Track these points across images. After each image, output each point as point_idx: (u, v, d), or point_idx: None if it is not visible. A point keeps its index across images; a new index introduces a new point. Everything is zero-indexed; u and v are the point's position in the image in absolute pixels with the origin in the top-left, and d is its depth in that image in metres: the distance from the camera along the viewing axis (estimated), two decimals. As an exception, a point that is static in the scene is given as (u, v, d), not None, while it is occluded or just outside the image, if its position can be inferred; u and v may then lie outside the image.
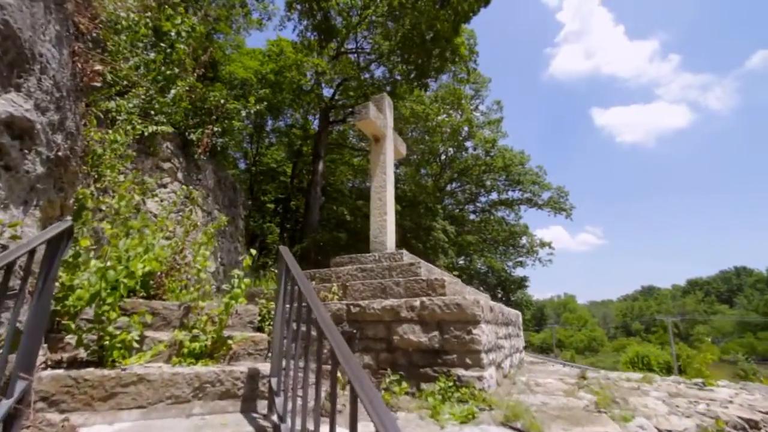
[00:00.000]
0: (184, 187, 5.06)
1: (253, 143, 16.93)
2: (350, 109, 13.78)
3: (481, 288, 23.90)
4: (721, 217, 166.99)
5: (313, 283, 3.78)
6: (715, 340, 65.87)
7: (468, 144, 21.54)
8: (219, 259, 5.96)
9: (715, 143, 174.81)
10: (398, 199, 18.13)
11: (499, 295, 25.00)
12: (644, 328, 76.48)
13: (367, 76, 13.55)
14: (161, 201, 4.58)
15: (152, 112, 4.52)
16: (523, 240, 24.90)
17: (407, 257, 3.97)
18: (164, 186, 4.91)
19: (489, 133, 22.73)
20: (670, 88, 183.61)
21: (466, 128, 20.30)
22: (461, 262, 22.27)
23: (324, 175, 15.48)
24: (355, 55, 14.24)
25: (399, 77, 9.92)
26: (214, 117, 5.82)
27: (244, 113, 6.21)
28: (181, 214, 4.53)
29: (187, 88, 5.05)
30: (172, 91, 4.77)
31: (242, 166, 18.23)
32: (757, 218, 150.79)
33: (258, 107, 6.42)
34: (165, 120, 4.69)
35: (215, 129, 5.81)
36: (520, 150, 21.79)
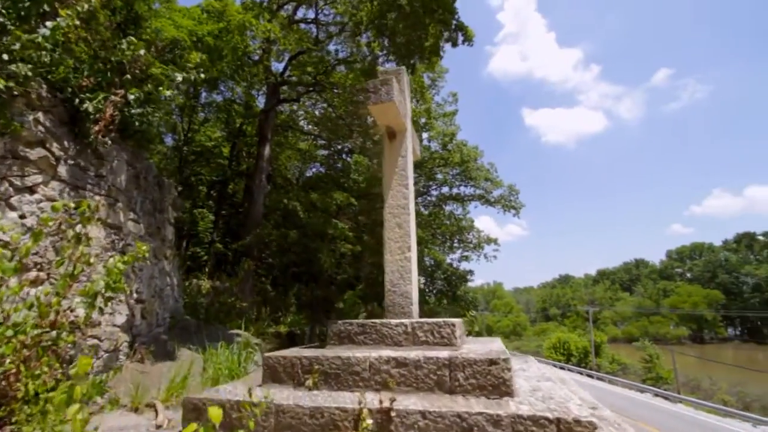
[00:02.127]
0: (72, 191, 3.14)
1: (185, 116, 14.13)
2: (310, 88, 11.84)
3: (423, 280, 23.43)
4: (626, 214, 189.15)
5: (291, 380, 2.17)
6: (617, 324, 74.27)
7: (423, 135, 20.51)
8: (134, 296, 4.02)
9: (624, 149, 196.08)
10: (351, 190, 16.59)
11: (445, 290, 24.72)
12: (561, 314, 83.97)
13: (331, 48, 11.67)
14: (22, 218, 2.70)
15: (4, 57, 2.56)
16: (471, 235, 24.79)
17: (458, 328, 2.45)
18: (31, 191, 2.92)
19: (442, 125, 21.94)
20: (589, 96, 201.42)
21: (423, 119, 19.21)
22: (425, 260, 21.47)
23: (270, 160, 13.39)
24: (314, 26, 12.23)
25: (379, 56, 8.26)
26: (127, 77, 3.84)
27: (179, 78, 4.28)
28: (62, 239, 2.70)
29: (78, 23, 3.06)
30: (49, 24, 2.78)
31: (169, 141, 15.29)
32: (653, 216, 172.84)
33: (200, 75, 4.49)
34: (31, 73, 2.74)
35: (131, 95, 3.85)
36: (474, 145, 21.38)
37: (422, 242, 21.51)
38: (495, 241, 24.28)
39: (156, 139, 5.07)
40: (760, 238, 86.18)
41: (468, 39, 6.69)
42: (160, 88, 4.16)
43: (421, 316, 2.59)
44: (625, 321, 77.42)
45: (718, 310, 73.14)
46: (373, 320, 2.57)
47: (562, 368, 34.99)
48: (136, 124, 4.31)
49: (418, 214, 22.75)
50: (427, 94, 17.51)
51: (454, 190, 23.47)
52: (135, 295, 4.02)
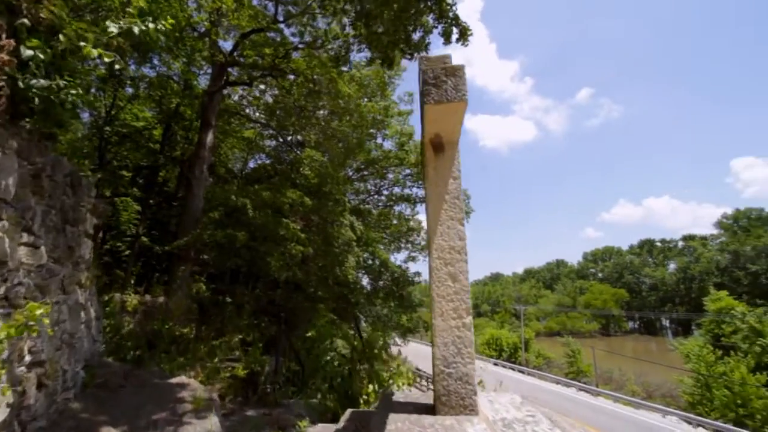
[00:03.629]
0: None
1: (107, 91, 11.85)
2: (265, 72, 10.48)
3: (367, 276, 22.87)
4: (549, 217, 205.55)
5: None
6: (540, 319, 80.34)
7: (378, 134, 19.82)
8: (25, 361, 2.63)
9: (550, 157, 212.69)
10: (301, 186, 15.39)
11: (392, 291, 24.36)
12: (491, 309, 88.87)
13: (293, 31, 10.34)
14: None
15: None
16: (420, 237, 24.73)
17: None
18: None
19: (396, 123, 21.45)
20: (522, 107, 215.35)
21: (378, 116, 18.50)
22: (367, 258, 20.76)
23: (213, 149, 11.81)
24: (272, 4, 10.82)
25: (351, 42, 7.22)
26: (24, 21, 2.57)
27: (114, 30, 3.08)
28: None
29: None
30: None
31: (86, 118, 12.86)
32: (572, 220, 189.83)
33: (146, 25, 3.32)
34: None
35: (27, 50, 2.60)
36: (429, 147, 21.24)
37: (372, 242, 20.92)
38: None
39: (69, 123, 3.68)
40: (658, 244, 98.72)
41: (464, 36, 6.05)
42: (83, 46, 2.93)
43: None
44: (547, 317, 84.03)
45: (623, 308, 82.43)
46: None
47: (495, 364, 36.70)
48: (36, 101, 3.01)
49: (367, 213, 22.11)
50: (389, 92, 16.83)
51: (406, 191, 23.20)
52: (27, 358, 2.69)
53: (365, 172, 22.25)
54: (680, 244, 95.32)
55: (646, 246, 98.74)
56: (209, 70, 12.45)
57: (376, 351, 12.81)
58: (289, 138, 17.18)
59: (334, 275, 15.93)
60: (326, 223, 15.63)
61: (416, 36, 5.78)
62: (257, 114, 17.01)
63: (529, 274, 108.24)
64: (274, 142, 17.95)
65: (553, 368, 38.05)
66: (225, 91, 12.55)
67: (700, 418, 19.66)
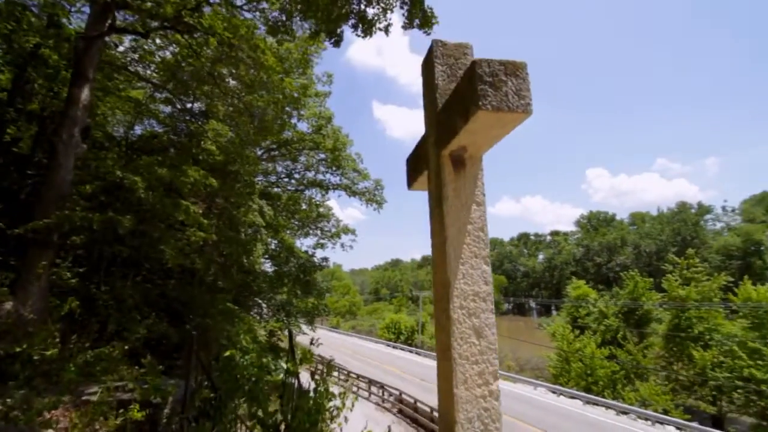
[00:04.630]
0: None
1: None
2: (164, 24, 8.61)
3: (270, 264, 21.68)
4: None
5: None
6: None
7: (294, 114, 18.44)
8: None
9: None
10: (205, 164, 13.57)
11: (299, 277, 23.42)
12: (390, 294, 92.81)
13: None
14: None
15: None
16: (330, 224, 24.18)
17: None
18: None
19: (313, 103, 20.30)
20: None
21: (296, 94, 17.19)
22: (274, 245, 19.45)
23: (89, 109, 9.54)
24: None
25: (293, 13, 5.98)
26: None
27: None
28: None
29: None
30: None
31: None
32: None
33: None
34: None
35: None
36: (345, 133, 20.51)
37: (281, 228, 19.71)
38: (353, 232, 24.26)
39: None
40: (532, 237, 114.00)
41: (427, 23, 5.58)
42: None
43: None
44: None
45: (501, 292, 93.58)
46: None
47: (394, 347, 38.36)
48: None
49: (277, 197, 20.69)
50: (311, 71, 15.65)
51: (319, 176, 22.27)
52: None
53: (276, 153, 20.70)
54: (548, 238, 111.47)
55: (523, 239, 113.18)
56: (87, 8, 9.93)
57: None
58: (190, 105, 14.91)
59: (240, 264, 14.52)
60: (233, 206, 14.06)
61: (371, 11, 5.18)
62: (150, 72, 14.40)
63: (426, 260, 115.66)
64: (169, 108, 15.39)
65: (445, 349, 41.33)
66: (108, 39, 10.18)
67: (561, 387, 23.21)
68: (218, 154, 14.06)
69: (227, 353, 4.88)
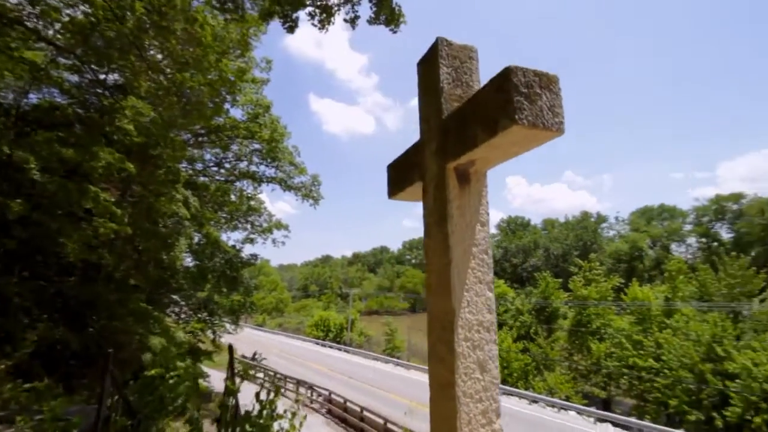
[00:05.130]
0: None
1: None
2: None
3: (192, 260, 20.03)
4: (377, 207, 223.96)
5: None
6: (362, 300, 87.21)
7: (228, 98, 17.07)
8: None
9: (385, 153, 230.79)
10: (120, 145, 11.99)
11: (226, 274, 21.94)
12: (319, 291, 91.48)
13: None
14: None
15: None
16: (262, 218, 23.01)
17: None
18: None
19: (249, 89, 19.03)
20: (366, 100, 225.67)
21: (231, 77, 15.94)
22: (198, 238, 17.85)
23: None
24: None
25: None
26: None
27: None
28: None
29: None
30: None
31: None
32: (395, 211, 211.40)
33: None
34: None
35: None
36: (283, 124, 19.53)
37: (206, 221, 18.22)
38: (286, 227, 23.35)
39: None
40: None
41: (393, 21, 5.32)
42: None
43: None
44: (368, 297, 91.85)
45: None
46: None
47: (323, 345, 37.80)
48: None
49: (204, 187, 19.05)
50: (251, 54, 14.56)
51: (252, 168, 20.98)
52: None
53: (205, 140, 19.03)
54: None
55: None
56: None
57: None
58: (104, 77, 13.02)
59: (158, 259, 13.07)
60: (152, 195, 12.57)
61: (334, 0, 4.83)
62: (53, 33, 12.33)
63: (357, 257, 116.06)
64: (77, 78, 13.27)
65: (373, 345, 41.84)
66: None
67: (481, 381, 24.62)
68: (137, 136, 12.44)
69: (150, 372, 4.21)
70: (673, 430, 17.79)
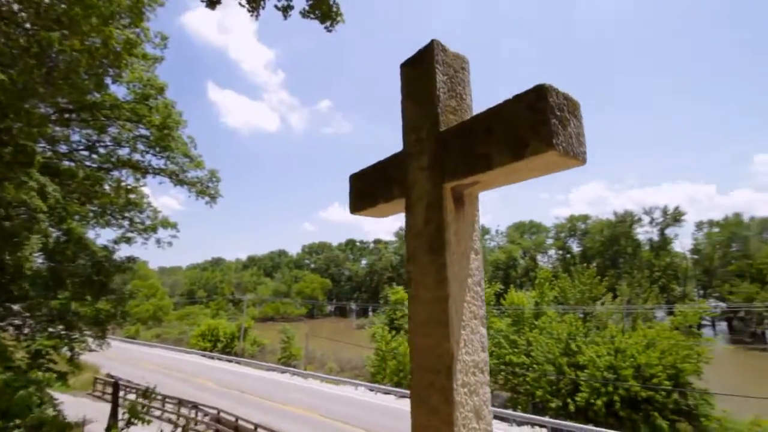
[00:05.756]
0: None
1: None
2: None
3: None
4: (277, 208, 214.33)
5: None
6: (257, 306, 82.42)
7: (110, 71, 14.42)
8: None
9: (287, 153, 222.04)
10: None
11: (93, 280, 18.55)
12: (207, 296, 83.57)
13: None
14: None
15: None
16: (145, 215, 20.09)
17: None
18: None
19: (139, 66, 16.46)
20: (272, 97, 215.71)
21: (118, 47, 13.57)
22: (56, 235, 14.59)
23: None
24: None
25: None
26: None
27: None
28: None
29: None
30: None
31: None
32: (294, 214, 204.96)
33: None
34: None
35: None
36: (179, 110, 17.24)
37: (69, 215, 15.17)
38: (174, 226, 20.76)
39: None
40: (358, 244, 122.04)
41: (329, 17, 4.85)
42: None
43: None
44: (263, 303, 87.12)
45: (326, 295, 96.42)
46: None
47: (211, 358, 34.39)
48: None
49: (69, 174, 15.76)
50: (141, 23, 12.51)
51: (136, 156, 18.07)
52: None
53: (74, 117, 15.76)
54: (372, 245, 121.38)
55: (350, 244, 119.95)
56: None
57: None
58: None
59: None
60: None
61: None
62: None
63: (253, 261, 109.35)
64: None
65: (267, 354, 39.60)
66: None
67: (378, 385, 25.14)
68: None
69: None
70: (538, 417, 20.47)
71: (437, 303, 1.32)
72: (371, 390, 23.94)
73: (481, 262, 1.43)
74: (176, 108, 16.58)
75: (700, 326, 30.89)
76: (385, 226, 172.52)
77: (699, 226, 70.66)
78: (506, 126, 1.16)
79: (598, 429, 17.66)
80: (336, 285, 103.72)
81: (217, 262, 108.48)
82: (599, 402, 20.94)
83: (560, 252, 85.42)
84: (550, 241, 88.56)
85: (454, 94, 1.50)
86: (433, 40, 1.49)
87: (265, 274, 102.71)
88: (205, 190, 18.89)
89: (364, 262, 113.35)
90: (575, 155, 1.10)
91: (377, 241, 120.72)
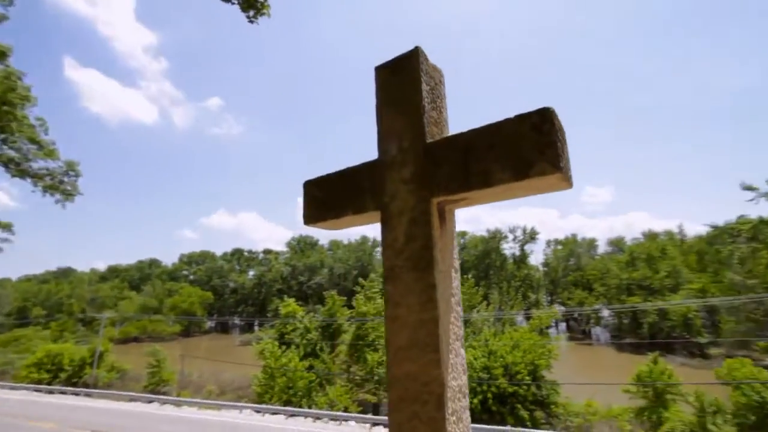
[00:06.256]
0: None
1: None
2: None
3: None
4: (150, 213, 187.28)
5: None
6: (116, 325, 70.49)
7: None
8: None
9: (166, 151, 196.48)
10: None
11: None
12: (47, 315, 68.23)
13: None
14: None
15: None
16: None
17: None
18: None
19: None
20: (150, 86, 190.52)
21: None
22: None
23: None
24: None
25: None
26: None
27: None
28: None
29: None
30: None
31: None
32: (172, 220, 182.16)
33: None
34: None
35: None
36: (27, 85, 13.73)
37: None
38: (8, 227, 16.65)
39: None
40: (246, 253, 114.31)
41: (253, 6, 4.26)
42: None
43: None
44: (126, 321, 74.85)
45: (207, 309, 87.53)
46: None
47: (50, 392, 27.88)
48: None
49: None
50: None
51: (-48, 135, 13.84)
52: None
53: None
54: (261, 255, 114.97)
55: (237, 254, 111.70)
56: None
57: None
58: None
59: None
60: None
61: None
62: None
63: (115, 272, 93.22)
64: None
65: (130, 381, 33.94)
66: None
67: (265, 405, 23.59)
68: None
69: None
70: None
71: (423, 325, 1.23)
72: (258, 411, 22.27)
73: (459, 280, 1.40)
74: (24, 82, 13.24)
75: (548, 327, 36.73)
76: (277, 235, 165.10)
77: (548, 243, 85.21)
78: (509, 144, 1.15)
79: (473, 425, 19.42)
80: (219, 298, 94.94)
81: (64, 273, 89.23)
82: (476, 401, 23.09)
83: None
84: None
85: (435, 106, 1.45)
86: (417, 47, 1.43)
87: (130, 287, 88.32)
88: (58, 185, 15.48)
89: (252, 273, 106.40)
90: (568, 179, 1.14)
91: (267, 251, 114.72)
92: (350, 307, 37.76)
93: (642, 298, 54.63)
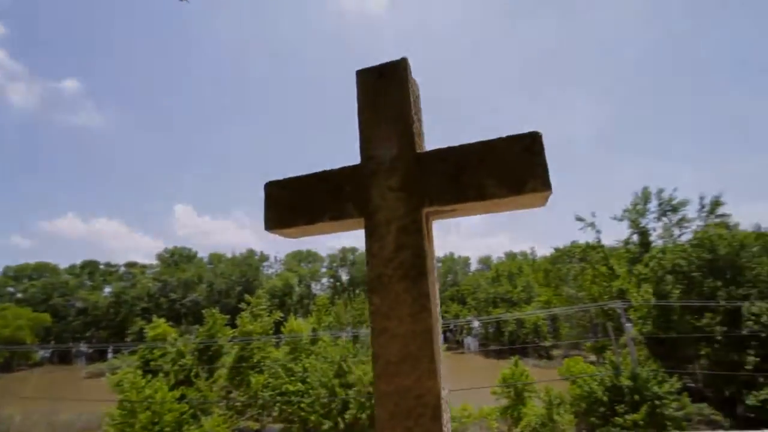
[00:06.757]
0: None
1: None
2: None
3: None
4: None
5: None
6: None
7: None
8: None
9: (2, 137, 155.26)
10: None
11: None
12: None
13: None
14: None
15: None
16: None
17: None
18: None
19: None
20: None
21: None
22: None
23: None
24: None
25: None
26: None
27: None
28: None
29: None
30: None
31: None
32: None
33: None
34: None
35: None
36: None
37: None
38: None
39: None
40: (102, 267, 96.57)
41: None
42: None
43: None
44: None
45: (39, 336, 70.74)
46: None
47: None
48: None
49: None
50: None
51: None
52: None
53: None
54: (123, 269, 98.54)
55: (90, 267, 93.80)
56: None
57: None
58: None
59: None
60: None
61: None
62: None
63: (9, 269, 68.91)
64: None
65: None
66: None
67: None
68: None
69: None
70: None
71: (415, 337, 1.20)
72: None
73: (437, 289, 1.41)
74: None
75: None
76: (145, 247, 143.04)
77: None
78: (503, 162, 1.23)
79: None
80: (59, 321, 77.56)
81: None
82: (364, 415, 23.21)
83: (332, 280, 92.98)
84: (324, 269, 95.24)
85: (417, 117, 1.48)
86: (404, 57, 1.44)
87: None
88: None
89: (108, 289, 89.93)
90: (548, 197, 1.27)
91: (131, 264, 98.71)
92: (233, 326, 34.86)
93: (504, 309, 62.73)
